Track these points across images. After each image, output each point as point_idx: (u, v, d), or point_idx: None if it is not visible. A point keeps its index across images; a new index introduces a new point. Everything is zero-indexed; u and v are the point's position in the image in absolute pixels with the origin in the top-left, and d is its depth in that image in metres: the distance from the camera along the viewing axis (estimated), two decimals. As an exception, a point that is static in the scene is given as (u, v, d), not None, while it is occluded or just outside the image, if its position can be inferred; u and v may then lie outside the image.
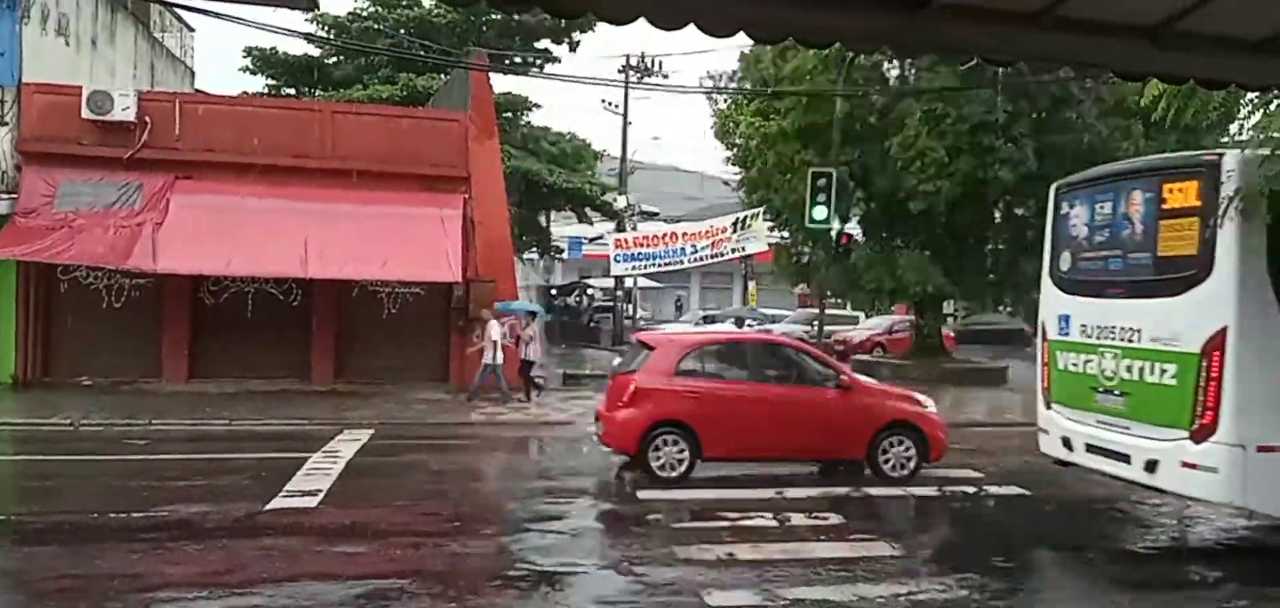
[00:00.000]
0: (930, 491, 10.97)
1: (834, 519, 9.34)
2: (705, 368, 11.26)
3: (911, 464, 11.12)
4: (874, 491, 10.73)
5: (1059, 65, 5.19)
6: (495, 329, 17.02)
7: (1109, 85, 20.15)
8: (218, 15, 15.18)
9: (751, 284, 43.07)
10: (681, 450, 10.66)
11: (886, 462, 11.11)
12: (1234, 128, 21.34)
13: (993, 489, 11.18)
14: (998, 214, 24.50)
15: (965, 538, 9.63)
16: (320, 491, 9.94)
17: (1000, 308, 30.71)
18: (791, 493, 10.46)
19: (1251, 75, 5.44)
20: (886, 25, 4.41)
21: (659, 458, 10.65)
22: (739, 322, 21.48)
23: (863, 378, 12.49)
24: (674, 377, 10.91)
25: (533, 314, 17.30)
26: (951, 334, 30.87)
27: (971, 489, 11.17)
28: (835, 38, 4.64)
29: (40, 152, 16.89)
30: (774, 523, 9.17)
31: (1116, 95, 20.59)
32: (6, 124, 16.95)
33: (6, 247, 16.07)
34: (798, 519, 9.32)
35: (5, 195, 16.77)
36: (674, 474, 10.61)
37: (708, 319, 37.54)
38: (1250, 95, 10.34)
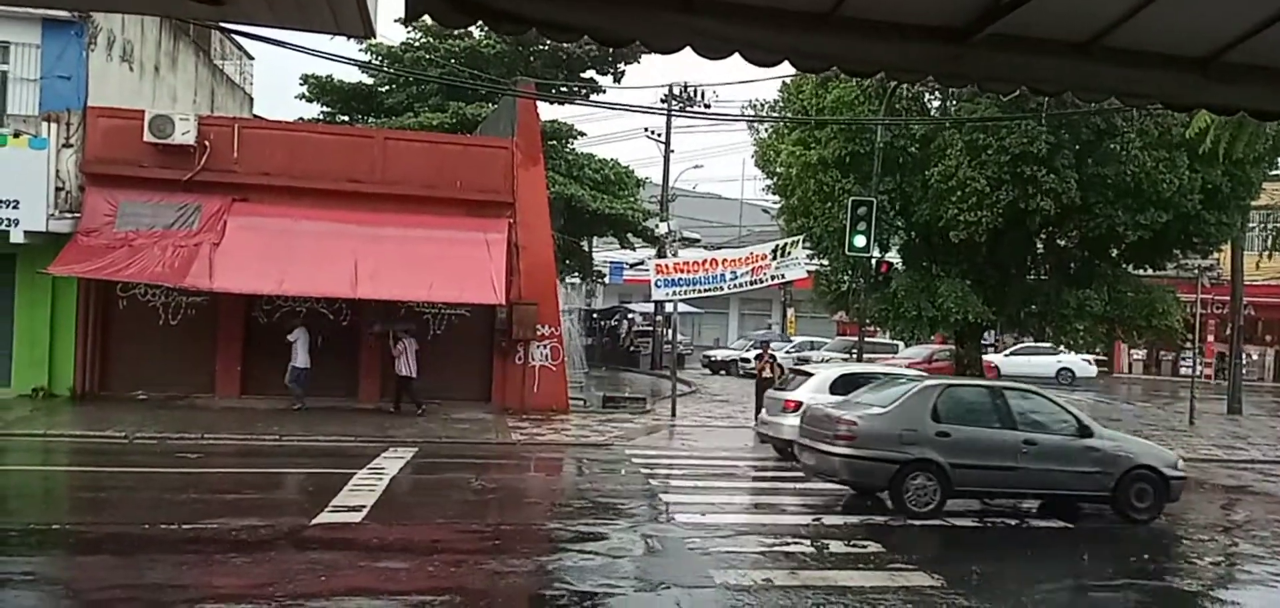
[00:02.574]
0: (971, 521, 10.88)
1: (872, 547, 9.30)
2: None
3: None
4: (912, 520, 10.66)
5: (1106, 96, 5.14)
6: (304, 337, 17.28)
7: (1154, 116, 19.88)
8: (276, 42, 15.72)
9: (790, 311, 42.93)
10: None
11: None
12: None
13: (1035, 522, 11.04)
14: (1040, 244, 24.22)
15: (1006, 570, 9.52)
16: (365, 507, 10.14)
17: (1042, 340, 30.24)
18: (828, 520, 10.44)
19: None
20: (932, 55, 4.40)
21: None
22: (763, 343, 21.53)
23: None
24: None
25: (408, 330, 17.65)
26: (993, 364, 30.49)
27: (1013, 521, 11.05)
28: (879, 68, 4.66)
29: (103, 173, 17.49)
30: (811, 550, 9.17)
31: (1161, 127, 20.31)
32: (72, 146, 17.60)
33: (68, 264, 16.62)
34: (835, 547, 9.30)
35: (68, 215, 17.37)
36: None
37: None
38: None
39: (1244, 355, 28.75)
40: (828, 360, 32.94)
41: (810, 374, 14.81)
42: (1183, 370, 36.33)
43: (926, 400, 10.89)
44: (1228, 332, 28.56)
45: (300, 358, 17.32)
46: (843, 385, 13.67)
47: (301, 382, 17.36)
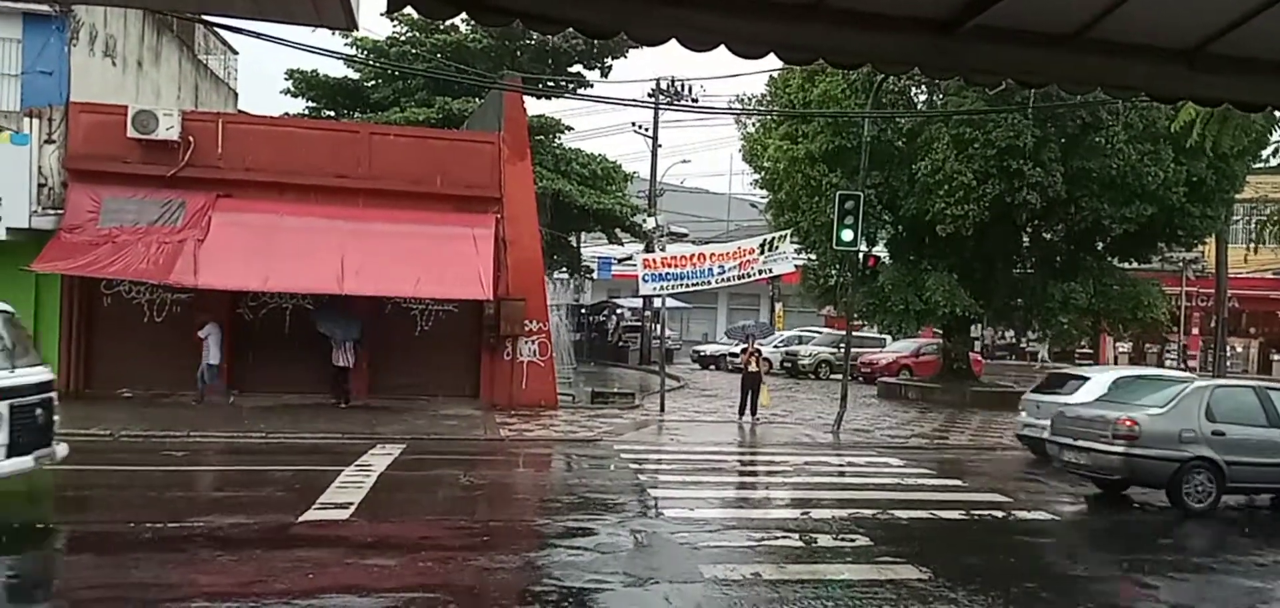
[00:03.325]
0: (957, 515, 10.92)
1: (861, 541, 9.32)
2: None
3: None
4: (900, 513, 10.68)
5: (1092, 88, 5.14)
6: (216, 332, 17.19)
7: (1139, 110, 20.00)
8: (259, 35, 15.65)
9: (778, 305, 42.99)
10: None
11: None
12: (1266, 153, 21.13)
13: (1020, 514, 11.10)
14: (1026, 238, 24.35)
15: (992, 563, 9.56)
16: (352, 503, 10.08)
17: (1028, 334, 30.45)
18: (817, 514, 10.45)
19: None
20: (917, 47, 4.38)
21: None
22: (748, 337, 21.81)
23: None
24: None
25: (350, 332, 17.74)
26: (980, 358, 30.64)
27: (999, 514, 11.09)
28: (865, 60, 4.64)
29: (86, 169, 17.33)
30: (800, 544, 9.18)
31: (1146, 120, 20.44)
32: (54, 142, 17.43)
33: (52, 261, 16.47)
34: (824, 540, 9.31)
35: (51, 211, 17.21)
36: None
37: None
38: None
39: (1228, 348, 28.96)
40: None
41: (1085, 379, 15.14)
42: (1169, 363, 36.56)
43: (1200, 400, 11.49)
44: (1212, 324, 28.76)
45: (212, 355, 17.18)
46: (1120, 390, 13.89)
47: (213, 378, 17.21)
